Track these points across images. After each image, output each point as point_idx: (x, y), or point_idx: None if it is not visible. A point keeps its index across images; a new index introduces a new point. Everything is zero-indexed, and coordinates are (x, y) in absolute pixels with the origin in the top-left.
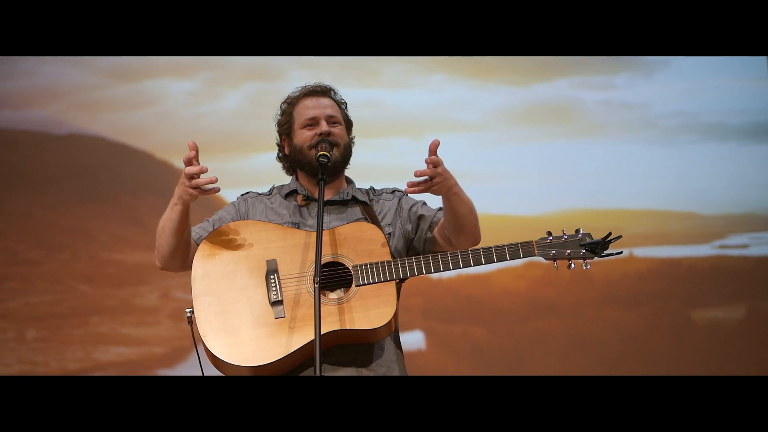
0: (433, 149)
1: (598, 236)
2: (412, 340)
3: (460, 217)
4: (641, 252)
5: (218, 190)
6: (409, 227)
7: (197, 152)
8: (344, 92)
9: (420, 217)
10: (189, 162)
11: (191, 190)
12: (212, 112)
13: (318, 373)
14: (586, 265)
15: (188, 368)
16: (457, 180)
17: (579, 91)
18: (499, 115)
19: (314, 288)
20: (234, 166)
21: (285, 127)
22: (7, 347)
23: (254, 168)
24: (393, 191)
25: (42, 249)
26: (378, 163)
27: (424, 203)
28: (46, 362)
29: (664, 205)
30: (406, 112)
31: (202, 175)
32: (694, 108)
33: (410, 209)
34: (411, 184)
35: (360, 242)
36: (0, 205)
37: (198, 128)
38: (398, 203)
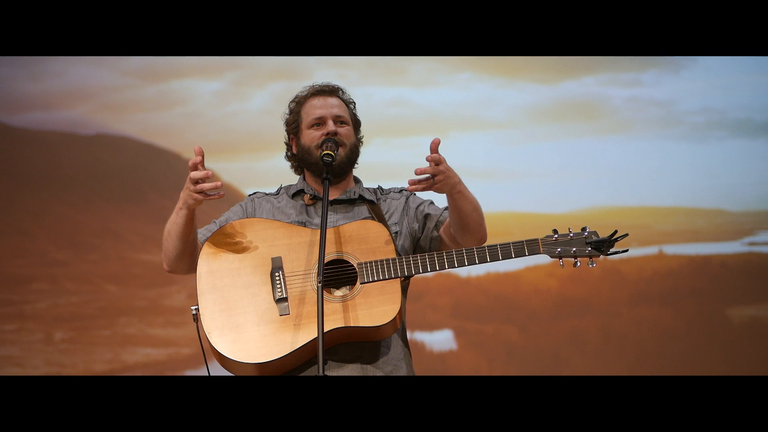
0: (434, 148)
1: (605, 235)
2: (441, 339)
3: (465, 215)
4: (671, 249)
5: (222, 195)
6: (416, 226)
7: (203, 157)
8: (370, 91)
9: (426, 216)
10: (194, 167)
11: (196, 195)
12: (239, 111)
13: (321, 372)
14: (591, 264)
15: (215, 369)
16: (484, 178)
17: (606, 88)
18: (526, 112)
19: (318, 286)
20: (261, 166)
21: (293, 126)
22: (35, 349)
23: (281, 167)
24: (401, 191)
25: (71, 249)
26: (403, 162)
27: (431, 202)
28: (73, 364)
29: (693, 201)
30: (433, 111)
31: (207, 181)
32: (721, 104)
33: (417, 208)
34: (413, 182)
35: (365, 240)
36: (29, 206)
37: (225, 128)
38: (405, 202)
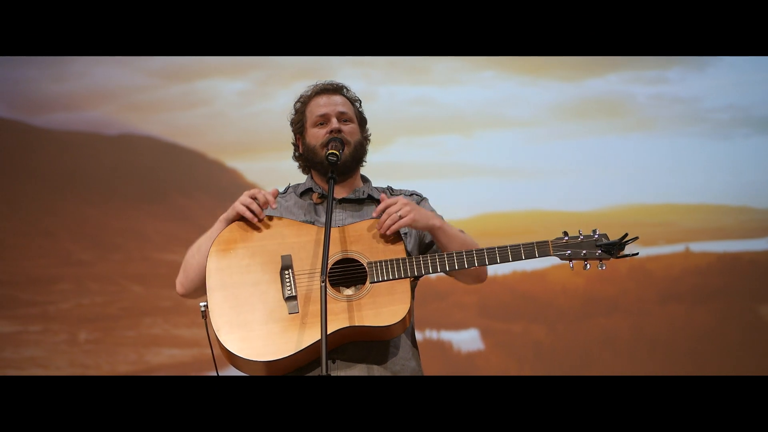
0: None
1: (615, 237)
2: (466, 338)
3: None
4: (697, 247)
5: (261, 219)
6: (423, 234)
7: (273, 200)
8: (394, 90)
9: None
10: (265, 198)
11: (247, 201)
12: (263, 111)
13: (324, 372)
14: (601, 266)
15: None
16: (508, 177)
17: (630, 85)
18: (550, 110)
19: (321, 286)
20: (284, 165)
21: (298, 126)
22: (59, 350)
23: None
24: (411, 194)
25: (95, 250)
26: (427, 161)
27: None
28: (97, 365)
29: (718, 199)
30: (456, 109)
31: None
32: (746, 101)
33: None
34: (378, 226)
35: (375, 239)
36: (53, 206)
37: (249, 128)
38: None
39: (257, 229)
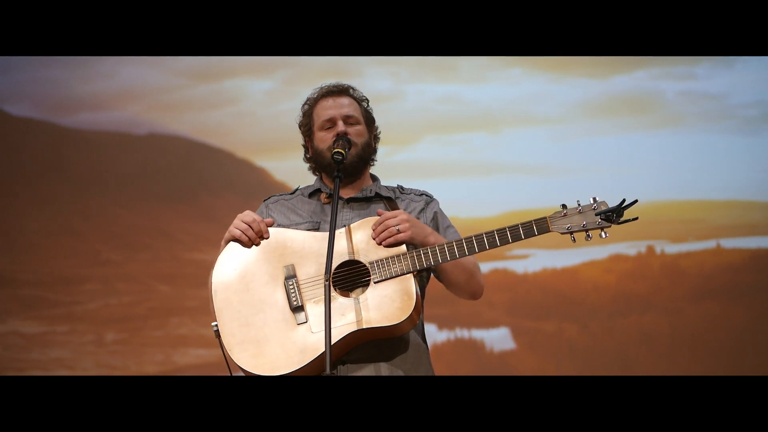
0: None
1: (628, 212)
2: (495, 337)
3: (446, 271)
4: (728, 243)
5: (258, 242)
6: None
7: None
8: (421, 88)
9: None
10: (259, 228)
11: (241, 226)
12: (291, 110)
13: (328, 371)
14: (604, 234)
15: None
16: (535, 174)
17: (658, 82)
18: (577, 107)
19: (324, 285)
20: None
21: (306, 129)
22: (86, 351)
23: None
24: (421, 194)
25: (123, 249)
26: (455, 159)
27: (450, 226)
28: (125, 366)
29: (748, 195)
30: (483, 107)
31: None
32: None
33: (434, 218)
34: (376, 235)
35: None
36: (81, 206)
37: (276, 127)
38: (425, 206)
39: (258, 243)
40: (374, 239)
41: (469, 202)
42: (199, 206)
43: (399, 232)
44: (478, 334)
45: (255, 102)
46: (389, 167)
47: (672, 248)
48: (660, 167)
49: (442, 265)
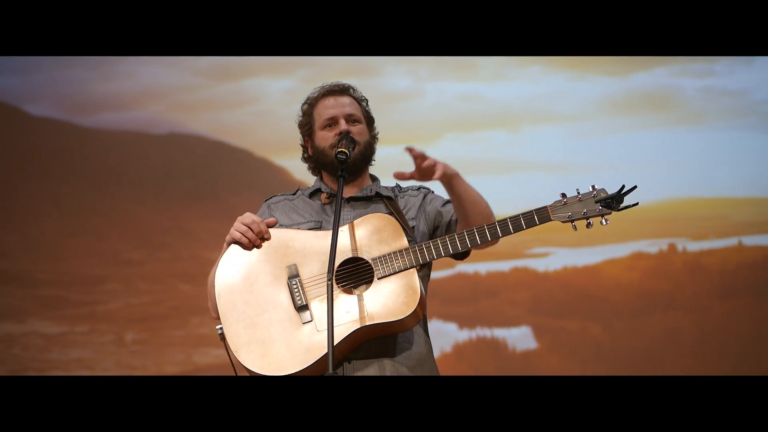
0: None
1: (632, 200)
2: (517, 335)
3: (467, 204)
4: (750, 240)
5: (257, 245)
6: (431, 222)
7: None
8: (440, 86)
9: (438, 213)
10: (259, 229)
11: (242, 229)
12: None
13: (331, 371)
14: (605, 221)
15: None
16: (556, 172)
17: (678, 78)
18: (597, 105)
19: (327, 284)
20: None
21: (306, 128)
22: (107, 350)
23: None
24: (418, 188)
25: (144, 249)
26: (475, 157)
27: (447, 202)
28: (144, 366)
29: None
30: (503, 105)
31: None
32: None
33: (432, 204)
34: (398, 175)
35: (375, 233)
36: (102, 206)
37: (296, 126)
38: (423, 199)
39: (259, 245)
40: (414, 157)
41: (489, 200)
42: (219, 205)
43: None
44: (499, 333)
45: (274, 101)
46: (409, 165)
47: (693, 246)
48: (680, 164)
49: (461, 195)
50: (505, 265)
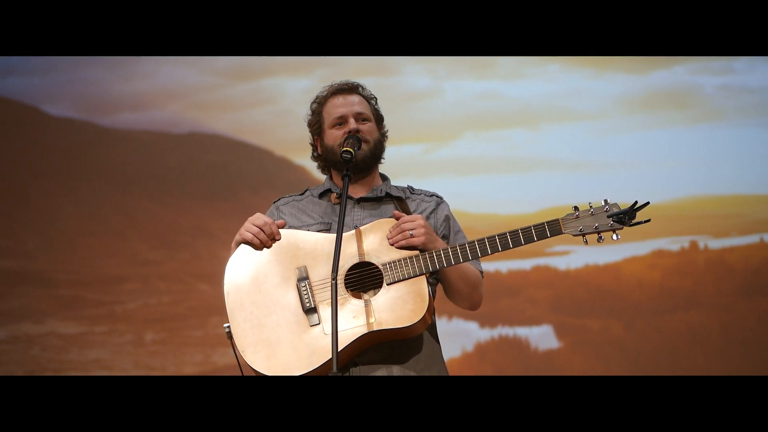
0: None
1: (641, 214)
2: (538, 334)
3: (450, 281)
4: None
5: (268, 244)
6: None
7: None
8: (459, 85)
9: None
10: (271, 230)
11: (252, 229)
12: None
13: (335, 370)
14: (616, 236)
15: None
16: (575, 170)
17: (698, 76)
18: (616, 103)
19: (331, 284)
20: None
21: (315, 127)
22: (125, 351)
23: None
24: (432, 195)
25: (163, 249)
26: (494, 155)
27: (460, 230)
28: (163, 366)
29: None
30: (522, 103)
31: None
32: None
33: (446, 220)
34: (392, 236)
35: (385, 238)
36: (120, 206)
37: None
38: (436, 206)
39: (270, 246)
40: (389, 239)
41: (508, 199)
42: (238, 204)
43: (413, 236)
44: (522, 331)
45: (293, 101)
46: (429, 164)
47: (715, 243)
48: (700, 162)
49: (447, 276)
50: (526, 264)
